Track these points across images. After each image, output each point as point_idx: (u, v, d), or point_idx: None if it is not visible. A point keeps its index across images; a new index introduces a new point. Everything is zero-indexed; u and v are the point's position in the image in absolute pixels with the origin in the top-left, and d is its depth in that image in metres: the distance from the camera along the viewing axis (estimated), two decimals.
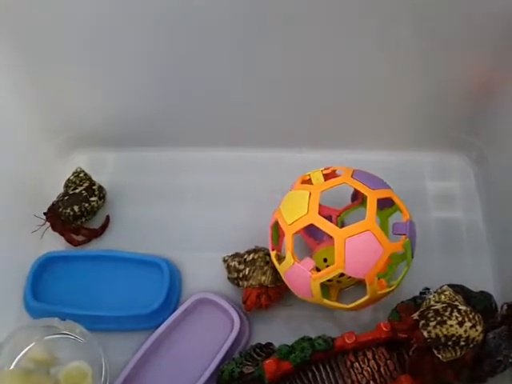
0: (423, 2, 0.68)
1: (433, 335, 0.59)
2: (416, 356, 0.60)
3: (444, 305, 0.61)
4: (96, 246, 0.84)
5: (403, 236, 0.68)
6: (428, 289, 0.68)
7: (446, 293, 0.64)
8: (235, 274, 0.76)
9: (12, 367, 0.72)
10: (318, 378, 0.63)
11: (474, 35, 0.72)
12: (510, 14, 0.69)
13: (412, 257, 0.69)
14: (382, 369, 0.63)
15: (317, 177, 0.71)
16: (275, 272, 0.73)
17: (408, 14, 0.70)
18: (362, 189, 0.68)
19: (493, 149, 0.85)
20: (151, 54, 0.78)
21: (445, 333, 0.59)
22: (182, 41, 0.75)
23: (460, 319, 0.59)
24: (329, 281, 0.68)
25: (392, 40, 0.74)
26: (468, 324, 0.59)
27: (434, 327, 0.59)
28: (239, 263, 0.76)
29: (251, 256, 0.76)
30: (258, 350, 0.68)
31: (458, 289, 0.67)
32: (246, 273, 0.75)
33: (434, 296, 0.64)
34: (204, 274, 0.80)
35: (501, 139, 0.83)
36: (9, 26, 0.73)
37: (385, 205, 0.74)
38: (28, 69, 0.79)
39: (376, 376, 0.62)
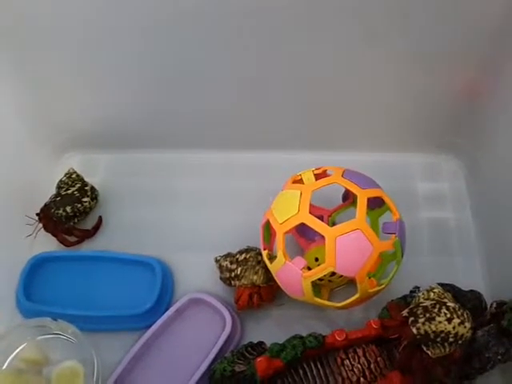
0: (419, 12, 0.69)
1: (422, 332, 0.60)
2: (405, 353, 0.61)
3: (433, 302, 0.62)
4: (88, 247, 0.84)
5: (393, 235, 0.68)
6: (418, 287, 0.68)
7: (435, 290, 0.64)
8: (227, 274, 0.76)
9: (4, 367, 0.72)
10: (309, 375, 0.63)
11: (463, 39, 0.73)
12: (498, 18, 0.70)
13: (402, 256, 0.69)
14: (372, 366, 0.63)
15: (308, 177, 0.72)
16: (267, 271, 0.74)
17: (405, 21, 0.71)
18: (353, 188, 0.68)
19: (482, 151, 0.86)
20: (144, 57, 0.78)
21: (433, 329, 0.59)
22: (178, 44, 0.75)
23: (448, 316, 0.60)
24: (320, 280, 0.69)
25: (383, 43, 0.74)
26: (456, 320, 0.60)
27: (423, 324, 0.60)
28: (231, 263, 0.76)
29: (243, 256, 0.76)
30: (249, 349, 0.68)
31: (447, 287, 0.68)
32: (238, 272, 0.75)
33: (423, 294, 0.65)
34: (196, 274, 0.81)
35: (491, 141, 0.83)
36: (4, 28, 0.73)
37: (375, 205, 0.75)
38: (22, 71, 0.79)
39: (366, 373, 0.63)
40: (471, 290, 0.70)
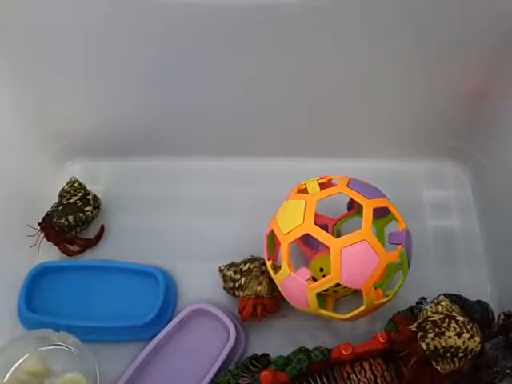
0: (421, 14, 0.69)
1: (431, 347, 0.59)
2: (415, 368, 0.60)
3: (442, 316, 0.61)
4: (91, 256, 0.84)
5: (399, 245, 0.67)
6: (425, 298, 0.68)
7: (443, 303, 0.63)
8: (231, 284, 0.75)
9: (6, 379, 0.71)
10: None
11: (471, 46, 0.73)
12: (506, 26, 0.69)
13: (408, 266, 0.69)
14: (378, 380, 0.62)
15: (312, 186, 0.71)
16: (271, 282, 0.73)
17: (407, 25, 0.70)
18: (358, 198, 0.67)
19: (489, 158, 0.86)
20: (145, 64, 0.77)
21: (443, 344, 0.59)
22: (178, 51, 0.74)
23: (458, 330, 0.59)
24: (325, 291, 0.68)
25: (390, 51, 0.74)
26: (466, 335, 0.59)
27: (433, 339, 0.59)
28: (235, 273, 0.76)
29: (247, 266, 0.75)
30: (254, 362, 0.68)
31: (454, 298, 0.67)
32: (242, 283, 0.74)
33: (431, 307, 0.64)
34: (200, 284, 0.80)
35: (497, 149, 0.83)
36: (6, 37, 0.73)
37: (381, 214, 0.74)
38: (24, 79, 0.79)
39: None
40: (478, 301, 0.69)
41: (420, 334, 0.60)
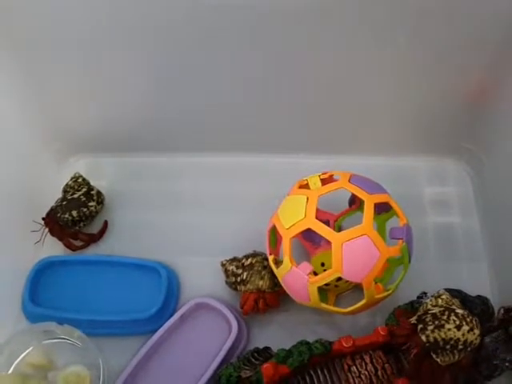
0: (423, 11, 0.69)
1: (431, 339, 0.60)
2: (415, 360, 0.61)
3: (441, 309, 0.62)
4: (94, 251, 0.84)
5: (400, 240, 0.68)
6: (425, 293, 0.68)
7: (443, 297, 0.64)
8: (233, 279, 0.76)
9: (10, 372, 0.72)
10: (316, 382, 0.63)
11: (472, 44, 0.73)
12: (506, 26, 0.69)
13: (409, 261, 0.69)
14: (379, 372, 0.63)
15: (314, 181, 0.72)
16: (273, 276, 0.74)
17: (408, 22, 0.70)
18: (360, 193, 0.68)
19: (490, 155, 0.86)
20: (149, 62, 0.78)
21: (443, 336, 0.59)
22: (179, 49, 0.75)
23: (458, 323, 0.60)
24: (326, 285, 0.68)
25: (391, 47, 0.74)
26: (466, 327, 0.59)
27: (432, 331, 0.60)
28: (237, 267, 0.76)
29: (249, 260, 0.76)
30: (255, 355, 0.68)
31: (454, 293, 0.67)
32: (244, 277, 0.75)
33: (431, 300, 0.64)
34: (202, 279, 0.80)
35: (498, 146, 0.83)
36: (9, 35, 0.73)
37: (382, 209, 0.75)
38: (27, 76, 0.79)
39: (373, 380, 0.62)
40: (478, 296, 0.70)
41: (420, 326, 0.61)
